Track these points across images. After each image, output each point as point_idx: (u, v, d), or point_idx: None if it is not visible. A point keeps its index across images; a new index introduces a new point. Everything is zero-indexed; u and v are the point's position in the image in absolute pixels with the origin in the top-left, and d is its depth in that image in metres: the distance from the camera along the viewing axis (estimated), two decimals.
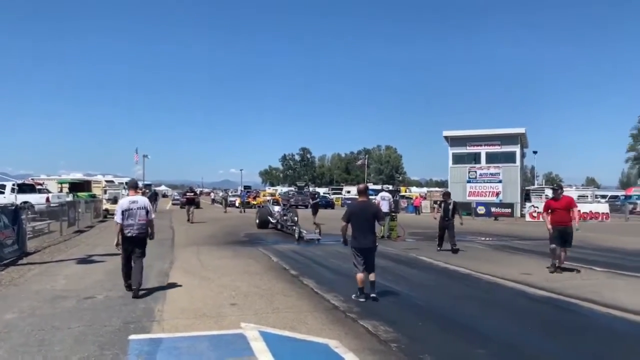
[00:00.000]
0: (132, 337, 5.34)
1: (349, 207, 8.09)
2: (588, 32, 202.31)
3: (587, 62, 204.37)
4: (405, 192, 63.38)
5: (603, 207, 32.91)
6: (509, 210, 35.36)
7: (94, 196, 33.79)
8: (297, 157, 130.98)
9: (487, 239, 18.50)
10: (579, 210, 11.96)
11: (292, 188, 71.66)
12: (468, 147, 41.51)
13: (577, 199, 38.29)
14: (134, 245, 7.49)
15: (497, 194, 38.34)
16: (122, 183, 46.77)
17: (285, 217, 18.74)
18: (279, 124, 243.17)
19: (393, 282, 8.86)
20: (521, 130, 40.97)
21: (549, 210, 10.17)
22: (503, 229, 23.42)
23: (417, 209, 37.88)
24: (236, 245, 14.72)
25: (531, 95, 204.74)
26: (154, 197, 32.64)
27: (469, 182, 40.71)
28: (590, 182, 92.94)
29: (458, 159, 41.84)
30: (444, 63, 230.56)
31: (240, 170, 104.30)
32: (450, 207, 13.72)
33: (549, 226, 10.08)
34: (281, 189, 75.03)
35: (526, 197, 40.66)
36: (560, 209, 10.01)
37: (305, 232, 16.41)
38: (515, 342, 5.42)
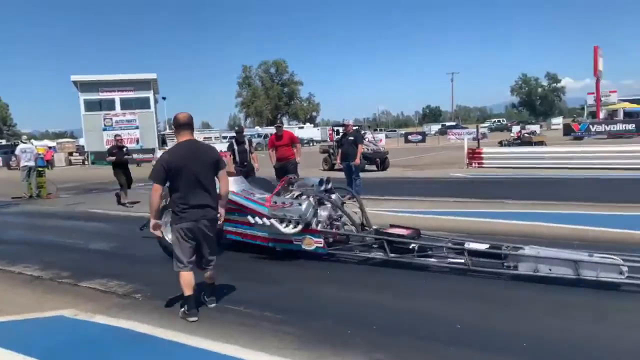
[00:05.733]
0: None
1: (164, 157, 4.17)
2: None
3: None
4: None
5: (222, 147, 37.56)
6: (150, 155, 35.88)
7: None
8: None
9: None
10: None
11: None
12: (101, 94, 39.29)
13: (213, 142, 42.52)
14: None
15: (137, 140, 38.20)
16: None
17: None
18: None
19: (84, 238, 8.09)
20: (153, 76, 41.46)
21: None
22: (146, 173, 23.68)
23: (49, 163, 33.82)
24: None
25: (163, 42, 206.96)
26: None
27: (105, 129, 38.91)
28: (205, 126, 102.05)
29: (91, 105, 39.19)
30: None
31: None
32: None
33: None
34: None
35: (163, 142, 42.26)
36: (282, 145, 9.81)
37: None
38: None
